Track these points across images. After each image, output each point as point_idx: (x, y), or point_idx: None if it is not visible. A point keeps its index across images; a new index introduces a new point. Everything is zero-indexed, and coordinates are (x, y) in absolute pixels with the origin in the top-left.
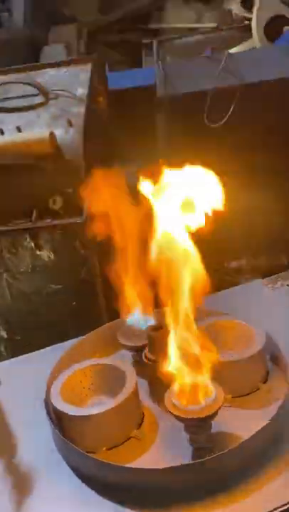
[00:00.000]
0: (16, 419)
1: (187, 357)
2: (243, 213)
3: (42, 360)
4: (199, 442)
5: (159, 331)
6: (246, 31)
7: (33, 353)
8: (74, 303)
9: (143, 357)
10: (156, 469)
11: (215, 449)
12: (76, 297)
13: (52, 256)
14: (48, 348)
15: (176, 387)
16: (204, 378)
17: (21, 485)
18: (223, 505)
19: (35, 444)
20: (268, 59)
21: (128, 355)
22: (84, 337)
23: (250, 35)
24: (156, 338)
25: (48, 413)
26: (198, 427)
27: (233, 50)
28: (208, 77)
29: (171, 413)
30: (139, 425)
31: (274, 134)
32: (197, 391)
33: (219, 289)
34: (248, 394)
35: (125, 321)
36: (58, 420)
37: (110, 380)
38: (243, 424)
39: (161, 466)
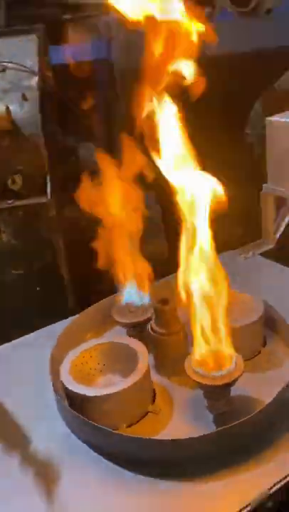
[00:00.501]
0: (20, 409)
1: (209, 325)
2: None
3: (34, 344)
4: (219, 408)
5: (166, 304)
6: None
7: (22, 338)
8: (38, 288)
9: (149, 330)
10: (191, 438)
11: (233, 414)
12: (40, 282)
13: (13, 240)
14: (38, 332)
15: (196, 354)
16: (225, 345)
17: (45, 473)
18: (248, 470)
19: (48, 431)
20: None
21: (123, 331)
22: (76, 317)
23: None
24: (164, 311)
25: (59, 398)
26: (219, 393)
27: None
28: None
29: (196, 381)
30: (153, 400)
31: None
32: (218, 358)
33: None
34: (252, 358)
35: (119, 298)
36: (74, 403)
37: (118, 358)
38: (253, 387)
39: (185, 436)
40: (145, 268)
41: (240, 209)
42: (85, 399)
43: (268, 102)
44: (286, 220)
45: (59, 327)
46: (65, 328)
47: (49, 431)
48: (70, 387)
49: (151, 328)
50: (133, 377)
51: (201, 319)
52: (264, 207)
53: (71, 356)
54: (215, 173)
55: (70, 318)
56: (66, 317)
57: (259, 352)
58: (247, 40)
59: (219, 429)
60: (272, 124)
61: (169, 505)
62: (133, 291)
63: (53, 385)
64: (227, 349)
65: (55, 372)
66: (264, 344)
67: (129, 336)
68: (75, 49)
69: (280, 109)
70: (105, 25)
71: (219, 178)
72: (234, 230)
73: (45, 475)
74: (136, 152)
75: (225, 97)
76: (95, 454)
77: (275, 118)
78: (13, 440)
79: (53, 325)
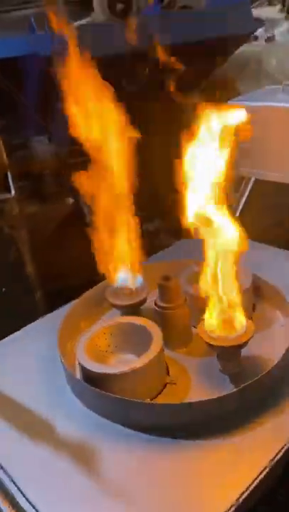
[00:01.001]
0: (34, 400)
1: (222, 291)
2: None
3: (33, 337)
4: (232, 369)
5: (170, 280)
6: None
7: (10, 336)
8: (3, 289)
9: (154, 306)
10: (220, 397)
11: (242, 373)
12: (5, 282)
13: None
14: (33, 324)
15: (209, 319)
16: (236, 310)
17: (82, 454)
18: (268, 422)
19: (69, 415)
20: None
21: (117, 314)
22: (72, 305)
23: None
24: (168, 286)
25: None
26: (232, 354)
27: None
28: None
29: (211, 344)
30: (167, 372)
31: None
32: (230, 322)
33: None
34: None
35: (113, 282)
36: (95, 385)
37: (127, 337)
38: (254, 347)
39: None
40: (135, 250)
41: None
42: (110, 377)
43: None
44: (244, 197)
45: (44, 323)
46: (64, 319)
47: (70, 415)
48: (92, 369)
49: (156, 305)
50: (152, 351)
51: (215, 287)
52: (226, 189)
53: (83, 340)
54: None
55: (63, 309)
56: (35, 317)
57: (251, 317)
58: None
59: (245, 384)
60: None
61: (211, 462)
62: (125, 274)
63: (65, 370)
64: (238, 314)
65: (65, 357)
66: (254, 310)
67: None
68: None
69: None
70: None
71: None
72: None
73: (83, 456)
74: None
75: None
76: (127, 429)
77: (236, 101)
78: (38, 429)
79: (39, 320)
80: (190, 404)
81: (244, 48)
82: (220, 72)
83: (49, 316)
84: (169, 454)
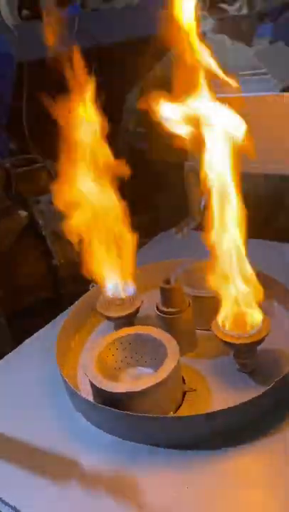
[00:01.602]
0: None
1: (237, 289)
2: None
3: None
4: (249, 366)
5: (172, 284)
6: None
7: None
8: None
9: (156, 311)
10: (251, 400)
11: (258, 371)
12: None
13: None
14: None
15: (223, 318)
16: (252, 307)
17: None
18: None
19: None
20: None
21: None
22: (63, 320)
23: None
24: (171, 290)
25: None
26: (250, 352)
27: None
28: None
29: (229, 342)
30: (183, 380)
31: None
32: (246, 319)
33: None
34: None
35: (103, 293)
36: (112, 403)
37: (137, 349)
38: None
39: (235, 402)
40: (125, 258)
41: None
42: (130, 395)
43: (144, 91)
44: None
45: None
46: (58, 335)
47: (92, 445)
48: (110, 389)
49: (159, 310)
50: (170, 360)
51: (231, 282)
52: (187, 184)
53: (91, 359)
54: None
55: (50, 326)
56: None
57: None
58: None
59: (276, 379)
60: None
61: (259, 466)
62: (115, 284)
63: (73, 392)
64: (252, 309)
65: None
66: None
67: (116, 329)
68: None
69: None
70: None
71: None
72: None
73: (121, 489)
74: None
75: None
76: (161, 449)
77: None
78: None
79: (24, 343)
80: (229, 409)
81: None
82: (159, 70)
83: (28, 341)
84: (213, 466)
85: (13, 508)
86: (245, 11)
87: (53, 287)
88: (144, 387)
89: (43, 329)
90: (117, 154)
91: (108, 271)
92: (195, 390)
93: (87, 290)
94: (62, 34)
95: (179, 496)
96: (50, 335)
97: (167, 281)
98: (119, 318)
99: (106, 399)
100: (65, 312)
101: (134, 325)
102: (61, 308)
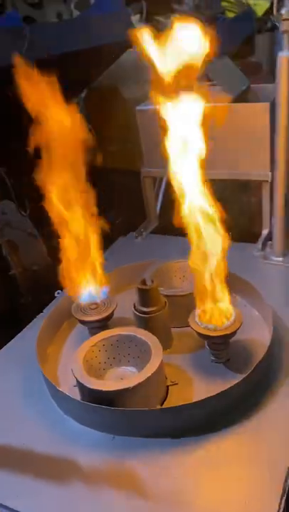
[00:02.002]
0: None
1: (210, 287)
2: None
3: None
4: (222, 357)
5: (149, 285)
6: None
7: None
8: None
9: (134, 311)
10: (236, 384)
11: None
12: None
13: None
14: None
15: (199, 311)
16: (225, 303)
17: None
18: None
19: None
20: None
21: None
22: (42, 322)
23: None
24: (149, 290)
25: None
26: (223, 344)
27: None
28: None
29: (202, 334)
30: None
31: None
32: (221, 314)
33: None
34: None
35: (77, 299)
36: (101, 401)
37: (120, 350)
38: None
39: (217, 390)
40: (96, 263)
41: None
42: (121, 393)
43: (89, 100)
44: (160, 196)
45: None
46: (37, 342)
47: (85, 443)
48: (100, 388)
49: (138, 310)
50: (156, 357)
51: (204, 282)
52: (144, 189)
53: (78, 361)
54: None
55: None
56: None
57: None
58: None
59: (256, 364)
60: (141, 112)
61: (245, 445)
62: (89, 289)
63: (55, 393)
64: (226, 305)
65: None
66: None
67: (92, 333)
68: None
69: (101, 107)
70: None
71: None
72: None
73: (126, 479)
74: None
75: None
76: (152, 439)
77: (142, 107)
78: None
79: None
80: (212, 397)
81: (127, 56)
82: (104, 79)
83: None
84: (202, 450)
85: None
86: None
87: (11, 298)
88: (134, 384)
89: (11, 341)
90: None
91: (81, 276)
92: (177, 383)
93: (48, 299)
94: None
95: (175, 479)
96: (20, 346)
97: (143, 282)
98: (95, 321)
99: (97, 399)
100: (32, 322)
101: (108, 328)
102: (21, 318)
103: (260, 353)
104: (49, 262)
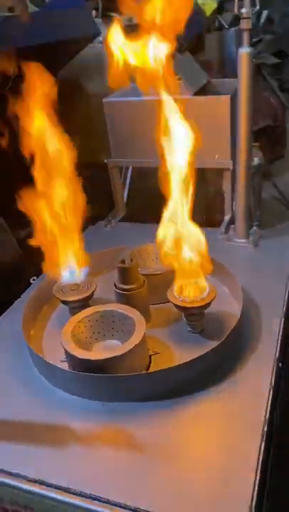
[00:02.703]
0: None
1: (187, 262)
2: None
3: None
4: (198, 328)
5: (128, 263)
6: None
7: None
8: None
9: (115, 289)
10: (212, 350)
11: (206, 331)
12: None
13: None
14: None
15: (176, 286)
16: (200, 278)
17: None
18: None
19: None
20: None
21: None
22: (25, 304)
23: None
24: (129, 268)
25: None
26: (199, 315)
27: None
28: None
29: (180, 306)
30: None
31: None
32: (195, 288)
33: None
34: None
35: (59, 279)
36: (89, 370)
37: (105, 324)
38: None
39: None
40: (76, 244)
41: None
42: (110, 361)
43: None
44: (127, 185)
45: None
46: (22, 320)
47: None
48: (90, 358)
49: (118, 288)
50: (140, 328)
51: (182, 260)
52: (112, 179)
53: (64, 335)
54: None
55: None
56: None
57: None
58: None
59: (229, 331)
60: (109, 103)
61: (221, 405)
62: (69, 270)
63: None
64: (200, 280)
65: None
66: None
67: (73, 313)
68: None
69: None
70: None
71: None
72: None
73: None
74: None
75: None
76: (138, 403)
77: (110, 98)
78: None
79: None
80: (190, 361)
81: (88, 50)
82: (64, 74)
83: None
84: (185, 409)
85: (24, 477)
86: (135, 21)
87: None
88: (123, 352)
89: None
90: None
91: (62, 258)
92: (158, 353)
93: (19, 289)
94: None
95: (162, 435)
96: (1, 329)
97: (123, 262)
98: (77, 301)
99: (86, 368)
100: (10, 308)
101: (89, 306)
102: None
103: (231, 323)
104: (20, 253)
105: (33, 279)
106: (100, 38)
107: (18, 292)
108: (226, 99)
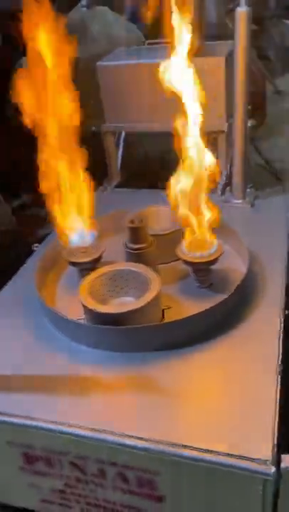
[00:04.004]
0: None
1: (196, 219)
2: None
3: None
4: (206, 283)
5: (138, 224)
6: None
7: None
8: None
9: (125, 249)
10: (223, 301)
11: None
12: None
13: None
14: None
15: (185, 243)
16: (208, 234)
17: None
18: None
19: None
20: None
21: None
22: (35, 269)
23: None
24: (139, 228)
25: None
26: (207, 270)
27: None
28: None
29: (190, 262)
30: None
31: None
32: (204, 244)
33: None
34: None
35: (68, 242)
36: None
37: (119, 282)
38: None
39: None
40: (85, 207)
41: None
42: (126, 314)
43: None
44: (120, 151)
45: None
46: (36, 283)
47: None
48: (107, 311)
49: (129, 248)
50: (155, 284)
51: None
52: (106, 145)
53: (83, 292)
54: None
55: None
56: None
57: None
58: None
59: (238, 284)
60: (103, 67)
61: (237, 349)
62: (78, 233)
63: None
64: (209, 236)
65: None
66: None
67: (82, 275)
68: None
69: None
70: None
71: None
72: None
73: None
74: None
75: None
76: (157, 352)
77: (104, 62)
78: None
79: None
80: (202, 312)
81: (72, 14)
82: None
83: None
84: (202, 355)
85: (54, 422)
86: None
87: None
88: (142, 304)
89: (2, 291)
90: None
91: (72, 221)
92: (170, 307)
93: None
94: None
95: (182, 378)
96: (13, 293)
97: (132, 222)
98: (87, 263)
99: (105, 322)
100: (17, 274)
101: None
102: None
103: (236, 277)
104: (13, 222)
105: (36, 246)
106: (83, 2)
107: (16, 259)
108: (220, 60)
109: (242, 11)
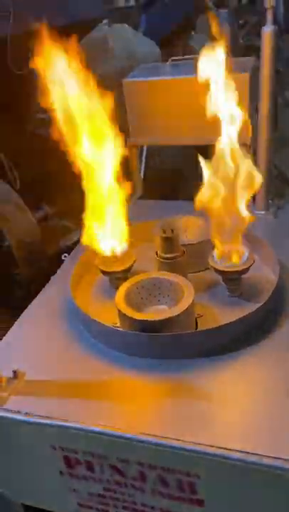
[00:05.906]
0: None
1: (227, 230)
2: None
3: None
4: (237, 292)
5: (170, 233)
6: None
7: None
8: None
9: (157, 258)
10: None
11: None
12: None
13: None
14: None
15: (217, 252)
16: (239, 244)
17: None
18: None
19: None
20: None
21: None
22: (69, 277)
23: None
24: (172, 238)
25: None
26: (238, 279)
27: None
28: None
29: (222, 271)
30: None
31: None
32: (235, 254)
33: None
34: None
35: (100, 251)
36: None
37: (152, 290)
38: None
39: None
40: (119, 217)
41: None
42: (163, 322)
43: None
44: (143, 164)
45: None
46: (71, 291)
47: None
48: (145, 318)
49: (161, 257)
50: (188, 293)
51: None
52: (130, 159)
53: (119, 300)
54: None
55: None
56: None
57: None
58: None
59: (270, 294)
60: (128, 84)
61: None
62: (111, 242)
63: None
64: (240, 247)
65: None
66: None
67: (114, 283)
68: None
69: None
70: None
71: None
72: None
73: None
74: None
75: None
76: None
77: (129, 78)
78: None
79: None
80: (235, 321)
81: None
82: None
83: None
84: (235, 363)
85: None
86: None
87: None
88: (179, 312)
89: (35, 300)
90: None
91: (105, 231)
92: (202, 315)
93: (42, 268)
94: None
95: (218, 385)
96: (47, 301)
97: (164, 232)
98: (120, 272)
99: (142, 330)
100: (49, 282)
101: (127, 278)
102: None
103: (266, 286)
104: (39, 233)
105: (65, 256)
106: (105, 21)
107: (42, 269)
108: (245, 76)
109: (267, 31)
